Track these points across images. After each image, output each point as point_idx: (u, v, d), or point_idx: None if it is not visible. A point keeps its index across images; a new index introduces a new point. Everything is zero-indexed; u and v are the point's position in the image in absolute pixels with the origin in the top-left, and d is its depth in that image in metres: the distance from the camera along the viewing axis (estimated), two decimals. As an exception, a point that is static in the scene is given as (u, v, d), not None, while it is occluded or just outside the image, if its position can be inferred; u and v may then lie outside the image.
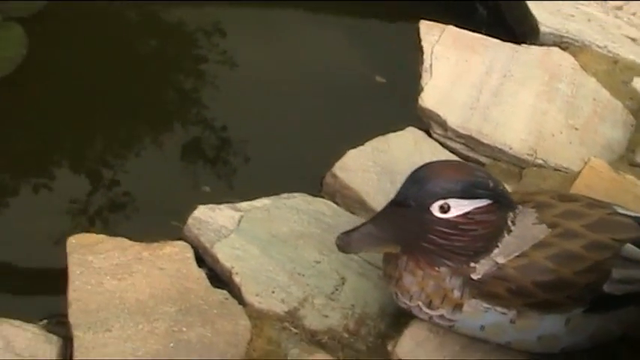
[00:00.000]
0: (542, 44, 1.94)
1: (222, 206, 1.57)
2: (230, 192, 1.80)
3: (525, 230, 1.34)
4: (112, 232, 1.68)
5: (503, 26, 2.08)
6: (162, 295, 1.44)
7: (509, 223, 1.34)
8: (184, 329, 1.41)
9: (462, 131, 1.72)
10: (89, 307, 1.42)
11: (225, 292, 1.47)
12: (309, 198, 1.60)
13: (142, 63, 2.11)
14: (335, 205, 1.61)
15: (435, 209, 1.28)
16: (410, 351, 1.40)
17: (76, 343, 1.39)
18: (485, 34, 1.96)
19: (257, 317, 1.45)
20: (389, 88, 2.06)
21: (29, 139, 1.91)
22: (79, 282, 1.45)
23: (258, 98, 2.01)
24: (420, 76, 1.88)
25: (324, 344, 1.44)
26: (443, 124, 1.74)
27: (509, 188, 1.50)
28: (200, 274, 1.48)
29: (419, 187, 1.28)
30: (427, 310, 1.36)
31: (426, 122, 1.76)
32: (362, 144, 1.72)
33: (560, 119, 1.78)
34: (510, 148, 1.71)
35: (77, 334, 1.39)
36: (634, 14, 2.04)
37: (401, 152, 1.69)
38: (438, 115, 1.74)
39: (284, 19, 2.22)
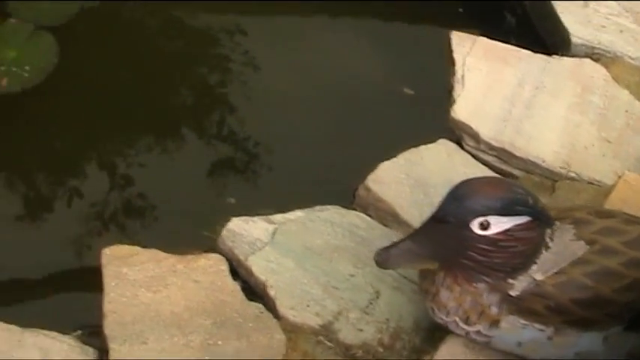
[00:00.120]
0: (573, 55, 1.92)
1: (255, 218, 1.57)
2: (256, 203, 1.78)
3: (563, 247, 1.34)
4: (139, 241, 1.71)
5: (533, 36, 2.07)
6: (197, 308, 1.45)
7: (547, 239, 1.34)
8: (220, 342, 1.42)
9: (494, 144, 1.72)
10: (124, 319, 1.43)
11: (260, 305, 1.47)
12: (343, 211, 1.60)
13: (169, 69, 2.11)
14: (368, 218, 1.61)
15: (474, 226, 1.27)
16: (446, 366, 1.41)
17: (111, 356, 1.40)
18: (515, 44, 1.95)
19: (292, 331, 1.45)
20: (416, 98, 2.05)
21: (60, 147, 1.92)
22: (114, 294, 1.46)
23: (283, 106, 2.00)
24: (447, 86, 1.88)
25: (359, 358, 1.44)
26: (475, 137, 1.73)
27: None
28: (235, 286, 1.49)
29: (459, 204, 1.28)
30: (464, 326, 1.36)
31: (458, 134, 1.76)
32: (393, 155, 1.72)
33: (593, 132, 1.77)
34: (543, 161, 1.71)
35: (113, 346, 1.40)
36: (666, 26, 2.04)
37: (434, 164, 1.69)
38: (471, 128, 1.73)
39: (307, 25, 2.22)
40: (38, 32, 2.01)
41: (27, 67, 1.94)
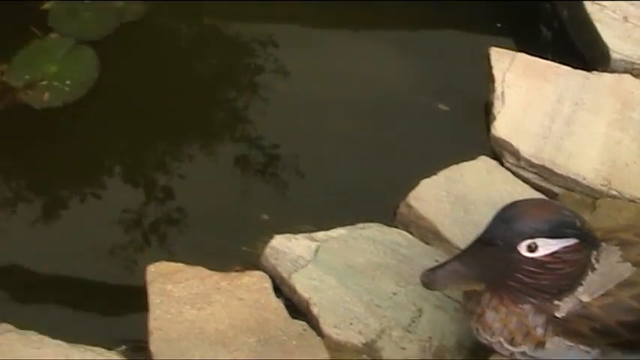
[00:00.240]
0: (613, 71, 1.91)
1: (298, 236, 1.58)
2: (290, 216, 1.79)
3: (609, 268, 1.34)
4: (175, 253, 1.73)
5: (571, 50, 2.06)
6: (242, 326, 1.46)
7: (594, 261, 1.34)
8: (264, 360, 1.43)
9: (535, 161, 1.72)
10: (170, 336, 1.45)
11: (303, 323, 1.48)
12: (385, 229, 1.61)
13: (205, 81, 2.12)
14: (410, 236, 1.61)
15: (522, 248, 1.28)
16: (490, 386, 1.41)
17: (158, 373, 1.42)
18: (552, 59, 1.95)
19: (335, 349, 1.46)
20: (450, 113, 2.05)
21: (100, 160, 1.93)
22: (160, 311, 1.48)
23: (316, 119, 2.00)
24: (482, 101, 1.90)
25: (402, 377, 1.45)
26: (515, 154, 1.73)
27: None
28: (278, 304, 1.50)
29: (507, 226, 1.28)
30: (509, 347, 1.36)
31: (498, 151, 1.76)
32: (433, 172, 1.72)
33: (635, 148, 1.76)
34: (584, 179, 1.70)
35: (159, 363, 1.42)
36: None
37: (474, 182, 1.69)
38: (511, 145, 1.73)
39: (337, 35, 2.22)
40: (79, 47, 2.03)
41: (68, 82, 1.97)
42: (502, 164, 1.75)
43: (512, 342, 1.35)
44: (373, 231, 1.60)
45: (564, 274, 1.30)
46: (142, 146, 1.97)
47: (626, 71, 1.91)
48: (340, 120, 2.00)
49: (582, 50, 2.03)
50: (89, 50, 2.02)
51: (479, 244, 1.31)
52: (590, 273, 1.33)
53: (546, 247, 1.28)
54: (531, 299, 1.32)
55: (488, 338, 1.37)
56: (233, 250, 1.72)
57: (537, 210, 1.30)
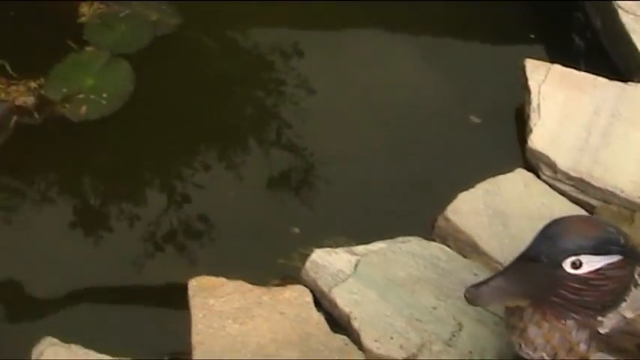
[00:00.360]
0: (649, 81, 1.93)
1: (338, 250, 1.60)
2: (322, 230, 1.78)
3: (653, 284, 1.35)
4: (213, 267, 1.71)
5: (605, 60, 2.06)
6: (284, 340, 1.47)
7: (637, 277, 1.34)
8: (307, 375, 1.44)
9: (572, 174, 1.72)
10: (213, 350, 1.46)
11: (344, 337, 1.49)
12: (424, 242, 1.62)
13: (240, 93, 2.13)
14: (449, 250, 1.62)
15: (567, 265, 1.28)
16: (532, 400, 1.41)
17: (202, 387, 1.43)
18: (585, 69, 1.94)
19: (376, 363, 1.48)
20: (483, 124, 2.05)
21: (138, 173, 1.95)
22: (202, 325, 1.49)
23: (345, 128, 2.00)
24: (514, 112, 1.91)
25: (443, 391, 1.46)
26: (553, 166, 1.73)
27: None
28: (320, 318, 1.51)
29: (551, 243, 1.28)
30: (552, 362, 1.37)
31: (535, 164, 1.76)
32: (471, 185, 1.72)
33: (672, 161, 1.77)
34: (622, 191, 1.70)
35: (203, 377, 1.44)
36: None
37: (511, 195, 1.70)
38: (548, 157, 1.74)
39: (364, 40, 2.23)
40: (114, 60, 2.05)
41: (104, 95, 1.99)
42: (538, 177, 1.76)
43: (554, 357, 1.35)
44: (412, 245, 1.61)
45: (608, 290, 1.30)
46: (177, 158, 1.98)
47: (662, 82, 1.93)
48: (370, 130, 2.01)
49: (617, 61, 2.02)
50: (124, 63, 2.04)
51: (523, 261, 1.32)
52: (633, 289, 1.33)
53: (590, 263, 1.28)
54: (575, 315, 1.32)
55: (531, 354, 1.37)
56: (268, 262, 1.73)
57: (581, 227, 1.31)
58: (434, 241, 1.65)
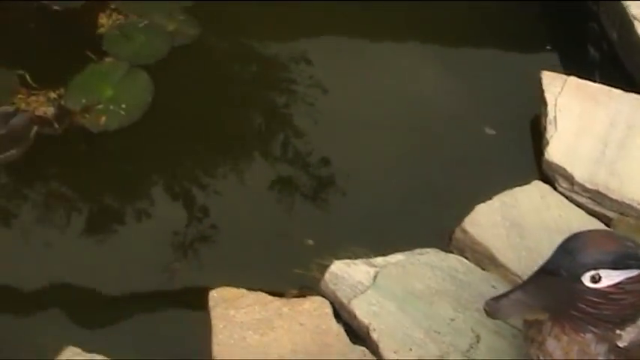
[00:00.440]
0: (664, 93, 1.94)
1: (357, 261, 1.61)
2: (336, 241, 1.79)
3: (672, 298, 1.35)
4: (229, 277, 1.72)
5: (620, 72, 2.06)
6: (304, 351, 1.49)
7: (656, 290, 1.36)
8: (327, 386, 1.46)
9: (589, 186, 1.73)
10: (233, 361, 1.48)
11: (364, 348, 1.51)
12: (442, 254, 1.63)
13: (259, 105, 2.14)
14: (467, 262, 1.63)
15: (586, 279, 1.30)
16: (550, 413, 1.42)
17: (223, 398, 1.45)
18: (601, 81, 1.95)
19: (395, 374, 1.49)
20: (497, 135, 2.05)
21: (157, 182, 1.95)
22: (223, 336, 1.50)
23: (359, 139, 2.01)
24: (529, 123, 1.92)
25: (462, 402, 1.47)
26: (569, 179, 1.74)
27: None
28: (339, 330, 1.52)
29: (571, 257, 1.30)
30: (570, 375, 1.38)
31: (551, 176, 1.78)
32: (488, 197, 1.73)
33: (689, 173, 1.78)
34: (639, 203, 1.71)
35: (225, 389, 1.45)
36: None
37: (528, 207, 1.71)
38: (565, 170, 1.75)
39: (377, 48, 2.24)
40: (133, 70, 2.07)
41: (123, 105, 2.01)
42: (555, 189, 1.77)
43: (573, 370, 1.37)
44: (431, 256, 1.62)
45: (627, 304, 1.32)
46: (195, 168, 2.00)
47: (677, 94, 1.94)
48: (384, 140, 2.02)
49: (633, 72, 2.04)
50: (143, 74, 2.07)
51: (542, 274, 1.33)
52: (652, 303, 1.35)
53: (610, 278, 1.30)
54: (593, 328, 1.33)
55: (549, 366, 1.39)
56: (284, 273, 1.74)
57: (601, 241, 1.32)
58: (451, 252, 1.66)
